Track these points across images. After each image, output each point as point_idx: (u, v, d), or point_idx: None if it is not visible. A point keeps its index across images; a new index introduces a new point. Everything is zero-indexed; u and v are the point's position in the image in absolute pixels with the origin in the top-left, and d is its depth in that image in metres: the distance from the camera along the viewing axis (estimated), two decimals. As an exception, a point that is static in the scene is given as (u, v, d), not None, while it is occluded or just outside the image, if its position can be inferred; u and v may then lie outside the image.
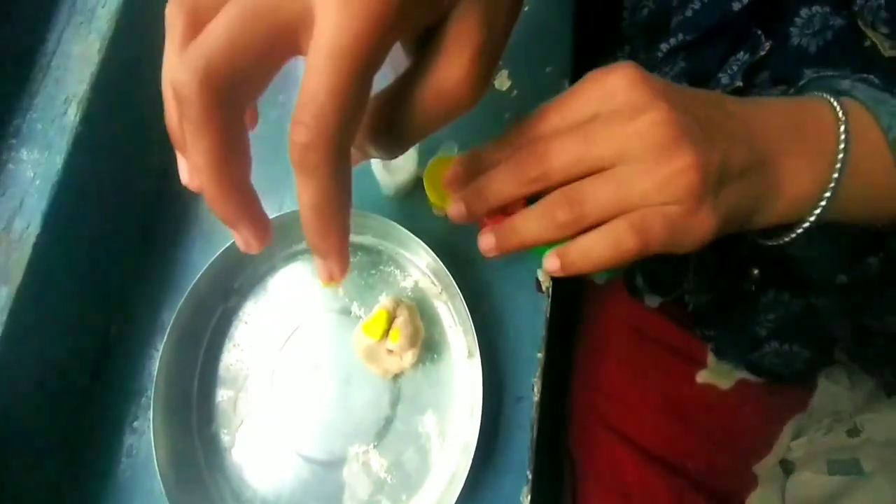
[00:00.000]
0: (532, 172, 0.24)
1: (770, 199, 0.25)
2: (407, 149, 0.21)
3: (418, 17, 0.18)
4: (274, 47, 0.18)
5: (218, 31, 0.17)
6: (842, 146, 0.25)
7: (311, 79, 0.17)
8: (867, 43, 0.34)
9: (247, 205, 0.21)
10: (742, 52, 0.39)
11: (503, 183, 0.25)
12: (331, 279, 0.21)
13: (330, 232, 0.20)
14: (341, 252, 0.21)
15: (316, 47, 0.17)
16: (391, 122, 0.20)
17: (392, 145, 0.21)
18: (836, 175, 0.25)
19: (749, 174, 0.24)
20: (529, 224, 0.24)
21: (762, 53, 0.38)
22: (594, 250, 0.23)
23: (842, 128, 0.25)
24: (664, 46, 0.42)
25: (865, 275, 0.33)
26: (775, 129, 0.25)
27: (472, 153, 0.26)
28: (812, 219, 0.25)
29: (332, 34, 0.16)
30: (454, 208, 0.26)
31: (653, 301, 0.47)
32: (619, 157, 0.23)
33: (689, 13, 0.41)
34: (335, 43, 0.16)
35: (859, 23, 0.34)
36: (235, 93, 0.18)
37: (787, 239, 0.27)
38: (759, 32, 0.38)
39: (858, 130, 0.25)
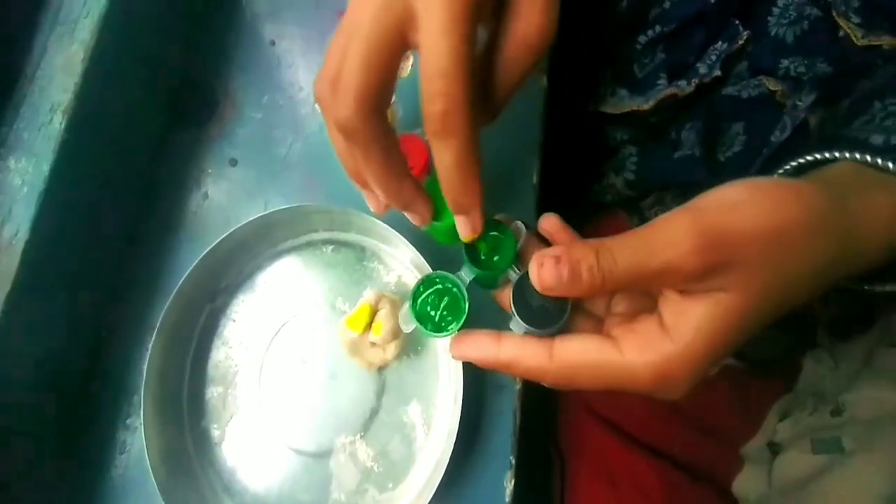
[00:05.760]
0: None
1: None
2: (502, 107, 0.24)
3: None
4: (393, 52, 0.21)
5: (352, 65, 0.21)
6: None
7: (432, 56, 0.20)
8: (841, 33, 0.34)
9: (414, 190, 0.24)
10: (720, 42, 0.39)
11: None
12: (474, 233, 0.24)
13: (471, 186, 0.22)
14: (480, 206, 0.23)
15: (428, 31, 0.20)
16: (486, 86, 0.23)
17: (490, 109, 0.24)
18: None
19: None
20: None
21: (740, 43, 0.38)
22: None
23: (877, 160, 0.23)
24: (642, 38, 0.43)
25: None
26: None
27: None
28: None
29: (438, 15, 0.20)
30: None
31: None
32: None
33: (667, 5, 0.41)
34: (443, 19, 0.20)
35: (833, 13, 0.34)
36: (381, 103, 0.21)
37: None
38: (737, 22, 0.38)
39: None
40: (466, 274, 0.26)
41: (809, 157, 0.25)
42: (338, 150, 0.25)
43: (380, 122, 0.22)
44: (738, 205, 0.20)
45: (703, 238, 0.19)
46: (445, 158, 0.21)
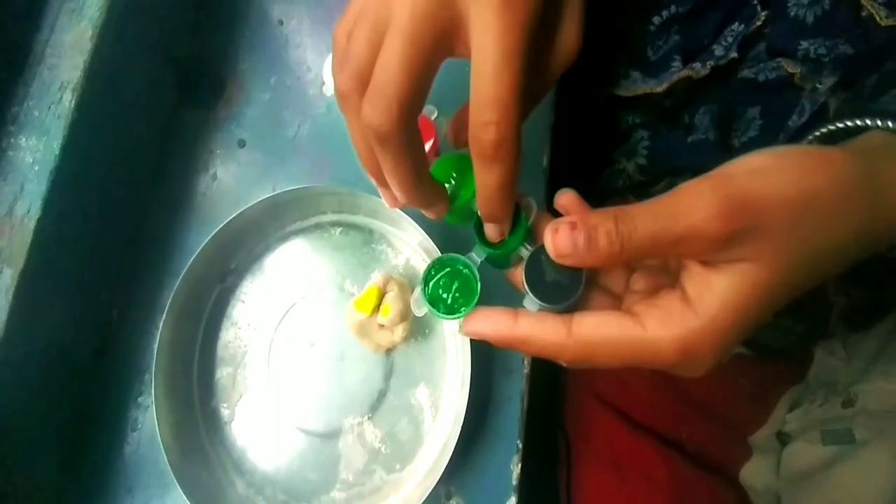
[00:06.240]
0: None
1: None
2: (531, 110, 0.25)
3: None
4: (438, 58, 0.21)
5: (391, 66, 0.20)
6: None
7: (488, 82, 0.20)
8: (864, 13, 0.33)
9: (433, 188, 0.24)
10: (737, 23, 0.38)
11: None
12: (501, 236, 0.25)
13: (508, 203, 0.23)
14: (511, 216, 0.24)
15: (484, 56, 0.20)
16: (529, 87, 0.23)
17: (531, 105, 0.25)
18: None
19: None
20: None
21: (758, 24, 0.37)
22: None
23: None
24: (656, 19, 0.42)
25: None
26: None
27: None
28: None
29: (497, 42, 0.19)
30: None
31: None
32: None
33: (681, -16, 0.40)
34: (503, 48, 0.19)
35: None
36: (419, 109, 0.21)
37: None
38: (755, 2, 0.37)
39: None
40: (478, 254, 0.25)
41: (840, 125, 0.24)
42: (359, 149, 0.24)
43: (414, 129, 0.21)
44: (764, 171, 0.19)
45: (728, 202, 0.18)
46: (490, 181, 0.21)
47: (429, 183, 0.24)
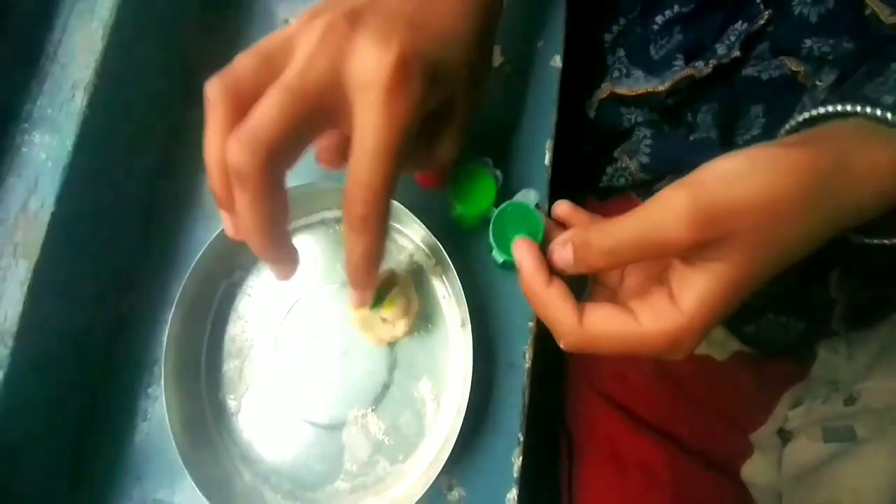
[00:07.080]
0: None
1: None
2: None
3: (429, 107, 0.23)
4: (315, 127, 0.22)
5: (271, 114, 0.20)
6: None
7: (364, 169, 0.22)
8: (867, 11, 0.33)
9: (286, 247, 0.25)
10: (740, 22, 0.38)
11: None
12: (362, 305, 0.28)
13: (372, 273, 0.25)
14: (374, 287, 0.28)
15: (363, 146, 0.22)
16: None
17: (422, 169, 0.31)
18: None
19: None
20: None
21: (761, 23, 0.37)
22: None
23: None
24: (659, 18, 0.42)
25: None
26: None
27: None
28: None
29: (375, 137, 0.21)
30: None
31: None
32: None
33: (684, -17, 0.40)
34: (380, 144, 0.21)
35: None
36: (284, 164, 0.22)
37: None
38: (758, 1, 0.38)
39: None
40: (497, 255, 0.29)
41: (822, 110, 0.25)
42: (210, 164, 0.23)
43: (278, 182, 0.22)
44: (734, 179, 0.21)
45: (697, 214, 0.21)
46: (357, 249, 0.24)
47: (281, 239, 0.24)
